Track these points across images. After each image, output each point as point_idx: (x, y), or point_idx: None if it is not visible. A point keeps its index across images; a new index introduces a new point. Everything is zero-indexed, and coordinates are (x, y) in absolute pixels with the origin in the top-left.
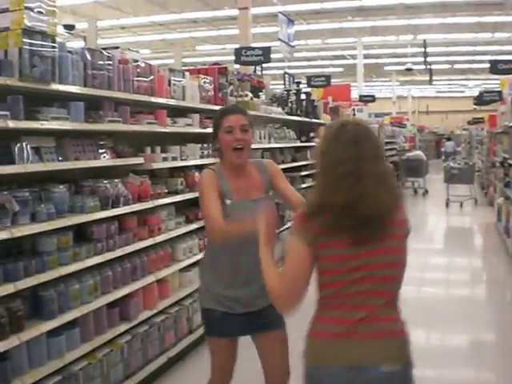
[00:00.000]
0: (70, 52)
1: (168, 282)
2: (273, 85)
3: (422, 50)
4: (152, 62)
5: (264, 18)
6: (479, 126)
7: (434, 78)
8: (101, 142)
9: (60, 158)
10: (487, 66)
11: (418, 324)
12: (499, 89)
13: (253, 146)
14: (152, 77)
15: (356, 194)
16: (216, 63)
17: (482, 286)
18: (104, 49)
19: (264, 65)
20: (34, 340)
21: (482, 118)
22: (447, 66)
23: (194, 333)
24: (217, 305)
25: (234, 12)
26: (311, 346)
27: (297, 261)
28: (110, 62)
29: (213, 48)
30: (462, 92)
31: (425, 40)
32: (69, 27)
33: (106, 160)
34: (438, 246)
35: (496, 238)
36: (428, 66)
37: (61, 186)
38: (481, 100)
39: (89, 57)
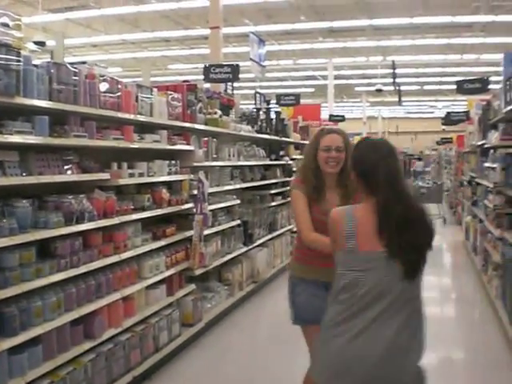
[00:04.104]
0: (35, 66)
1: (134, 299)
2: (244, 104)
3: (392, 71)
4: (123, 80)
5: (236, 37)
6: (448, 146)
7: (403, 98)
8: (66, 157)
9: (24, 173)
10: (455, 87)
11: None
12: (467, 109)
13: (221, 164)
14: (119, 92)
15: None
16: (185, 81)
17: (451, 304)
18: (71, 64)
19: (236, 84)
20: None
21: (450, 139)
22: (417, 87)
23: (160, 351)
24: None
25: (206, 31)
26: None
27: None
28: (76, 77)
29: (184, 67)
30: (431, 113)
31: (393, 61)
32: (39, 44)
33: (70, 175)
34: None
35: (464, 256)
36: (397, 87)
37: (24, 201)
38: (448, 120)
39: (54, 71)
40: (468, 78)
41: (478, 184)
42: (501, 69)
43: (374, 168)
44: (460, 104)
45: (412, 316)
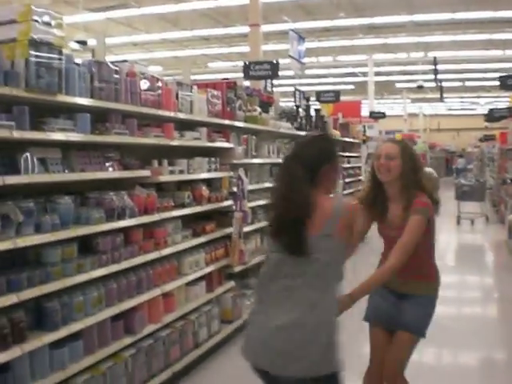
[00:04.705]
0: (76, 64)
1: (174, 295)
2: (284, 101)
3: (433, 67)
4: (164, 78)
5: (275, 35)
6: (491, 144)
7: (445, 95)
8: (107, 155)
9: (66, 170)
10: (498, 83)
11: (429, 342)
12: (510, 105)
13: (261, 161)
14: (160, 90)
15: None
16: (225, 79)
17: (493, 304)
18: (112, 62)
19: (275, 81)
20: (36, 351)
21: (493, 136)
22: (458, 84)
23: (200, 347)
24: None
25: (245, 29)
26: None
27: (419, 233)
28: (117, 76)
29: (224, 65)
30: (473, 109)
31: (435, 57)
32: (81, 43)
33: (112, 172)
34: (449, 263)
35: (507, 255)
36: (439, 84)
37: (66, 198)
38: (491, 117)
39: (96, 69)
40: (511, 74)
41: None
42: None
43: None
44: (503, 100)
45: (304, 297)
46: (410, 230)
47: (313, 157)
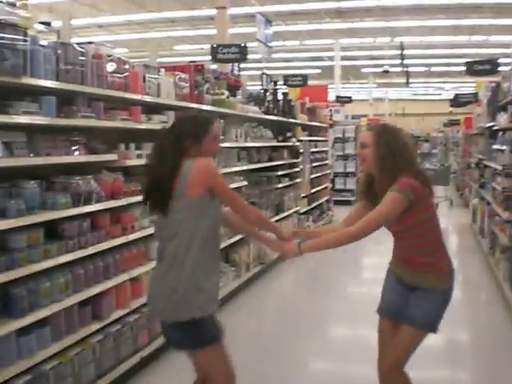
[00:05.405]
0: (42, 46)
1: (141, 280)
2: (251, 85)
3: (399, 52)
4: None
5: (242, 18)
6: (455, 128)
7: (410, 80)
8: (73, 138)
9: (31, 154)
10: (463, 68)
11: None
12: (475, 91)
13: (228, 145)
14: (126, 73)
15: None
16: (192, 61)
17: (457, 287)
18: (78, 44)
19: (242, 65)
20: (3, 338)
21: (457, 120)
22: (424, 69)
23: None
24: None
25: (212, 12)
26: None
27: (392, 209)
28: (83, 58)
29: (190, 48)
30: (438, 95)
31: (402, 42)
32: (45, 24)
33: (78, 156)
34: None
35: (471, 239)
36: (405, 69)
37: (32, 182)
38: (456, 102)
39: (61, 51)
40: (477, 60)
41: (485, 166)
42: (510, 50)
43: None
44: (468, 86)
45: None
46: (381, 205)
47: (179, 131)
